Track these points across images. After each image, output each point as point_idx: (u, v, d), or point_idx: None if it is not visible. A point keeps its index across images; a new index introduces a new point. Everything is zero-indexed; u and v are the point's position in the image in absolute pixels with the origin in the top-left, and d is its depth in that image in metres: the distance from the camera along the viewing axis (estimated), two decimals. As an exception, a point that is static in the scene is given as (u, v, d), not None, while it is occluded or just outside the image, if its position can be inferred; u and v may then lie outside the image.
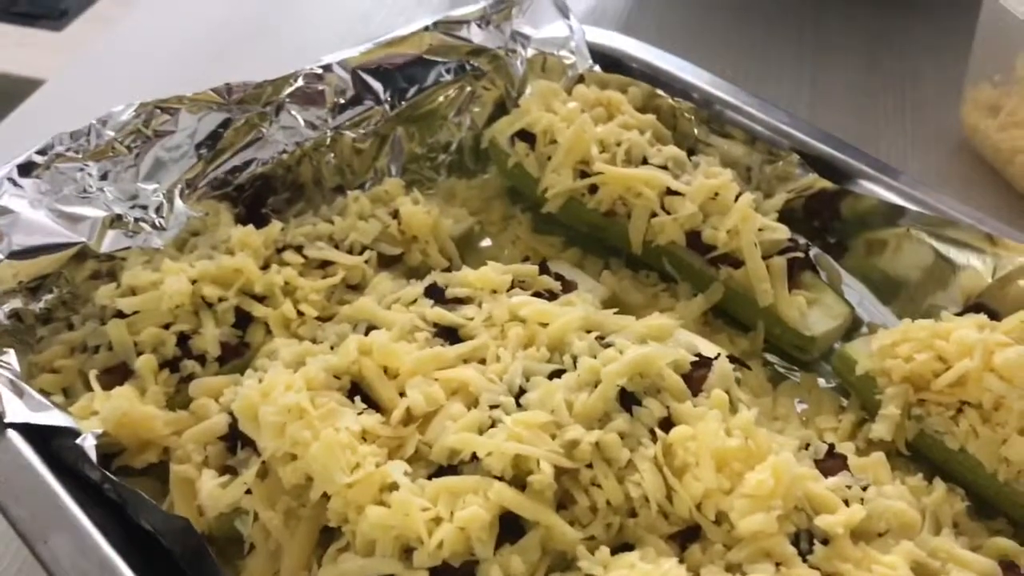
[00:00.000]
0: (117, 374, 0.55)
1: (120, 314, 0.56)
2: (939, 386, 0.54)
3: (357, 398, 0.50)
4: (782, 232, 0.63)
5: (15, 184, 0.58)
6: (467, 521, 0.44)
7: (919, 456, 0.56)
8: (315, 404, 0.49)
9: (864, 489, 0.49)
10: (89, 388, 0.54)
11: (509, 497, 0.45)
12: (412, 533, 0.44)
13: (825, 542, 0.46)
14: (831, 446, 0.52)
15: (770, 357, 0.64)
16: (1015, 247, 0.60)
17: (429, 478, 0.47)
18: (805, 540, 0.46)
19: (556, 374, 0.51)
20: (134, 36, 0.98)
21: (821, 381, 0.62)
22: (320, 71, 0.68)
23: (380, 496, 0.46)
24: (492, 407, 0.49)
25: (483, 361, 0.53)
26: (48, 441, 0.50)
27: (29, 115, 0.87)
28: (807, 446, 0.52)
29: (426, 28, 0.72)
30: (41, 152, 0.59)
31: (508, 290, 0.57)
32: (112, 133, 0.61)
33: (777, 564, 0.45)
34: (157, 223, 0.61)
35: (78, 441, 0.48)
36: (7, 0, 1.37)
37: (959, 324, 0.56)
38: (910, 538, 0.47)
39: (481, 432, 0.48)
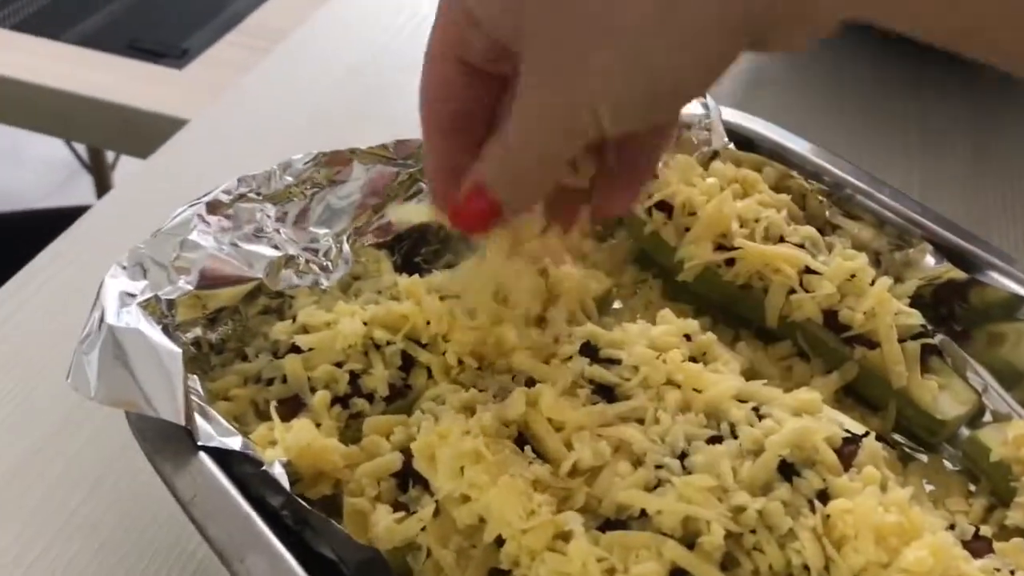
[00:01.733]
0: (289, 406, 0.58)
1: (296, 349, 0.59)
2: (1078, 479, 0.56)
3: (526, 448, 0.53)
4: (916, 318, 0.66)
5: (203, 220, 0.61)
6: (641, 575, 0.47)
7: (1055, 546, 0.57)
8: (490, 450, 0.51)
9: (1012, 573, 0.51)
10: (259, 418, 0.58)
11: (681, 555, 0.48)
12: (588, 581, 0.47)
13: (979, 623, 0.48)
14: (977, 529, 0.54)
15: (897, 437, 0.66)
16: None
17: (598, 529, 0.50)
18: (959, 620, 0.48)
19: (714, 439, 0.54)
20: (266, 85, 1.03)
21: (947, 464, 0.64)
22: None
23: (553, 543, 0.49)
24: (657, 467, 0.52)
25: (640, 421, 0.56)
26: (230, 466, 0.53)
27: (174, 153, 0.92)
28: (952, 527, 0.54)
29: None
30: (226, 192, 0.63)
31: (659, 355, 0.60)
32: (291, 179, 0.65)
33: (935, 640, 0.47)
34: (326, 266, 0.65)
35: (265, 467, 0.51)
36: (130, 36, 1.44)
37: (1099, 420, 0.58)
38: (1058, 625, 0.49)
39: (647, 490, 0.51)
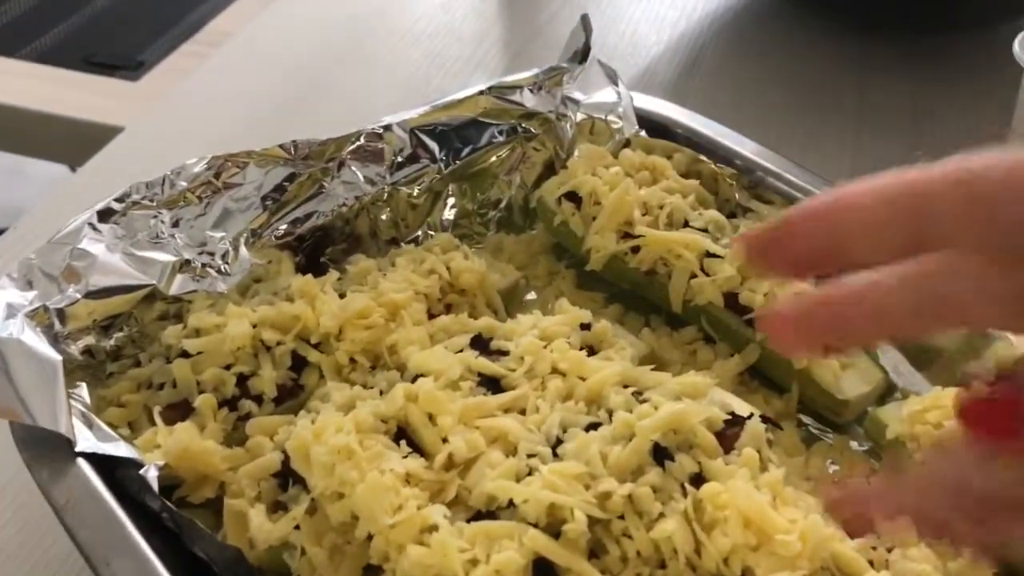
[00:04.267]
0: (179, 410, 0.58)
1: (185, 354, 0.59)
2: (968, 453, 0.55)
3: (403, 442, 0.53)
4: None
5: (95, 229, 0.62)
6: (503, 564, 0.46)
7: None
8: (363, 446, 0.51)
9: (889, 551, 0.50)
10: (153, 423, 0.58)
11: (543, 544, 0.48)
12: (449, 573, 0.47)
13: (849, 602, 0.47)
14: (858, 508, 0.53)
15: (804, 418, 0.65)
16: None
17: (468, 522, 0.50)
18: (832, 601, 0.48)
19: (592, 426, 0.54)
20: (205, 88, 1.04)
21: (854, 444, 0.64)
22: (381, 130, 0.72)
23: (421, 537, 0.49)
24: (530, 456, 0.52)
25: (523, 411, 0.56)
26: (113, 471, 0.53)
27: (107, 161, 0.93)
28: (835, 507, 0.53)
29: (481, 92, 0.75)
30: (119, 200, 0.63)
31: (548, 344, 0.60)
32: (185, 183, 0.65)
33: (800, 621, 0.47)
34: (222, 269, 0.65)
35: (141, 472, 0.51)
36: (86, 51, 1.44)
37: (989, 393, 0.57)
38: (935, 601, 0.49)
39: (518, 480, 0.51)
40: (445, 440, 0.53)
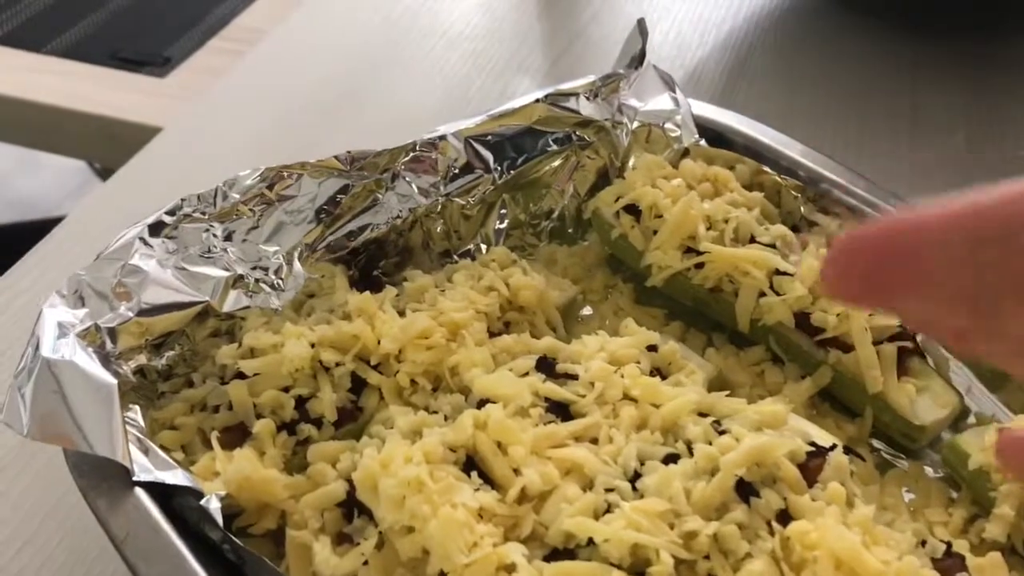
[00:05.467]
0: (236, 433, 0.56)
1: (241, 375, 0.57)
2: (1058, 487, 0.53)
3: (474, 473, 0.51)
4: (891, 319, 0.63)
5: (145, 243, 0.60)
6: (586, 607, 0.44)
7: (1038, 558, 0.55)
8: (434, 478, 0.49)
9: (987, 590, 0.48)
10: (206, 446, 0.56)
11: (629, 586, 0.46)
12: (530, 616, 0.45)
13: (947, 648, 0.45)
14: (948, 545, 0.51)
15: (876, 443, 0.63)
16: None
17: (545, 559, 0.48)
18: (926, 645, 0.46)
19: (670, 458, 0.52)
20: (241, 88, 1.01)
21: (928, 470, 0.62)
22: (435, 140, 0.69)
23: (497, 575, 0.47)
24: (607, 490, 0.50)
25: (595, 440, 0.53)
26: (170, 498, 0.51)
27: (143, 163, 0.91)
28: (923, 543, 0.51)
29: (537, 100, 0.73)
30: (170, 212, 0.61)
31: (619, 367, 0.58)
32: (237, 196, 0.63)
33: (899, 669, 0.45)
34: (276, 284, 0.63)
35: (203, 503, 0.49)
36: (112, 47, 1.42)
37: (1080, 425, 0.55)
38: (1032, 648, 0.47)
39: (597, 516, 0.49)
40: (517, 471, 0.51)
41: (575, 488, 0.50)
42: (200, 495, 0.50)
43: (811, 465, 0.52)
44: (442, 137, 0.70)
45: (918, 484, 0.60)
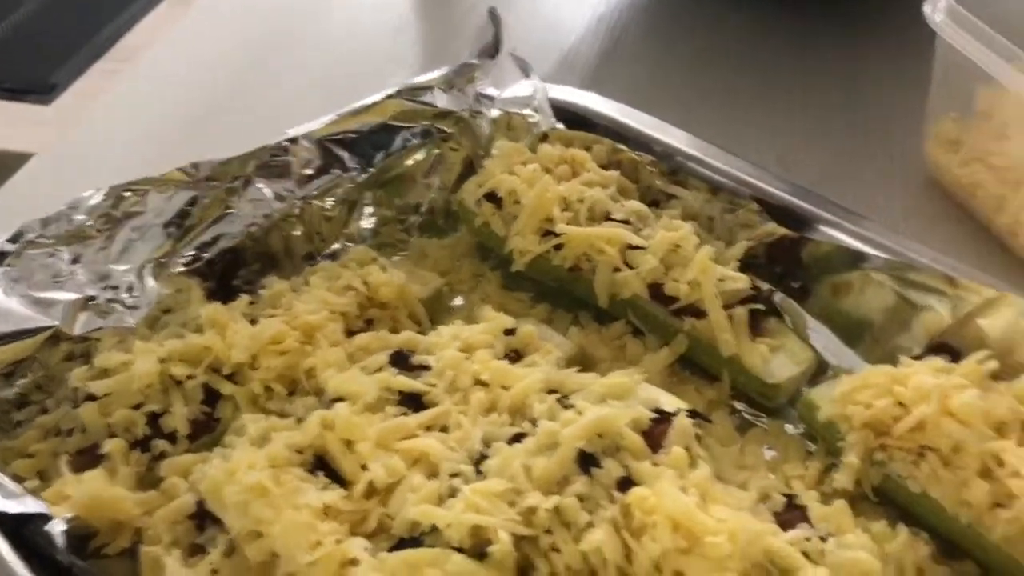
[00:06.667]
0: (90, 456, 0.56)
1: (92, 396, 0.57)
2: (899, 431, 0.55)
3: (321, 473, 0.51)
4: (743, 282, 0.64)
5: (-13, 274, 0.59)
6: (425, 594, 0.45)
7: (886, 501, 0.56)
8: (279, 482, 0.49)
9: (824, 540, 0.49)
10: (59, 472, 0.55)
11: (468, 568, 0.46)
12: (373, 609, 0.45)
13: (787, 598, 0.46)
14: (790, 498, 0.52)
15: (738, 405, 0.64)
16: (973, 287, 0.61)
17: (391, 550, 0.48)
18: (766, 597, 0.47)
19: (517, 438, 0.52)
20: (114, 111, 1.00)
21: (788, 427, 0.63)
22: (287, 144, 0.69)
23: (341, 573, 0.47)
24: (453, 476, 0.50)
25: (445, 428, 0.54)
26: (22, 527, 0.51)
27: (10, 194, 0.89)
28: (767, 498, 0.52)
29: (390, 96, 0.73)
30: (12, 240, 0.61)
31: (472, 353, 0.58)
32: (83, 217, 0.62)
33: (737, 623, 0.46)
34: (128, 303, 0.63)
35: (48, 527, 0.49)
36: (-7, 77, 1.39)
37: (917, 369, 0.56)
38: (874, 590, 0.48)
39: (441, 502, 0.49)
40: (364, 467, 0.51)
41: (421, 477, 0.50)
42: (45, 520, 0.50)
43: (656, 431, 0.53)
44: (293, 140, 0.70)
45: (778, 441, 0.62)
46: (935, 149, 0.80)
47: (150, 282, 0.64)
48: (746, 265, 0.67)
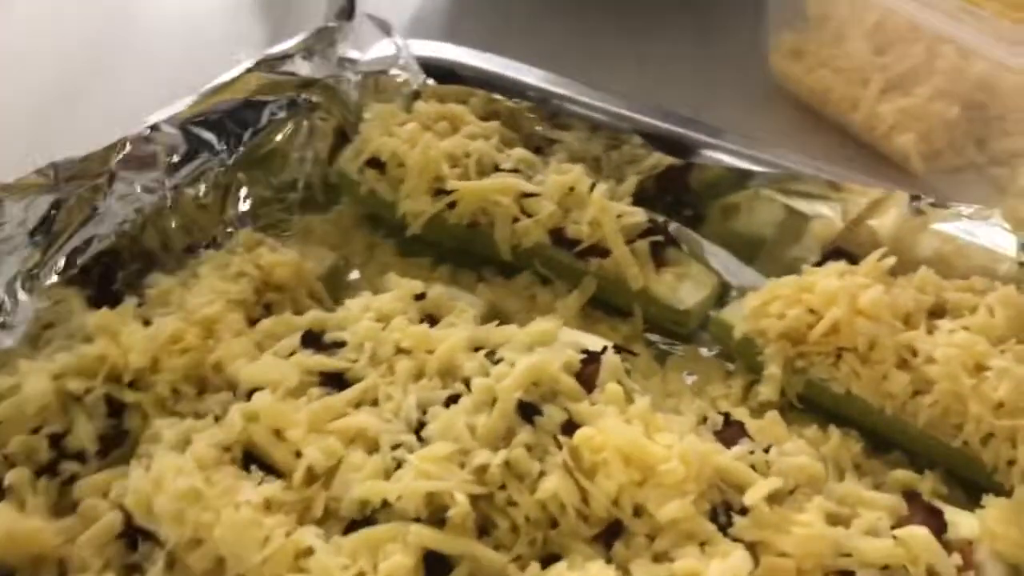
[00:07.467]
0: (-10, 493, 0.51)
1: (-20, 428, 0.52)
2: (814, 337, 0.56)
3: (254, 467, 0.49)
4: (639, 215, 0.65)
5: None
6: (391, 571, 0.43)
7: (812, 407, 0.58)
8: (211, 482, 0.47)
9: (766, 451, 0.51)
10: (-40, 514, 0.51)
11: (429, 537, 0.45)
12: (338, 595, 0.43)
13: (742, 512, 0.47)
14: (726, 416, 0.53)
15: (651, 337, 0.65)
16: (858, 190, 0.64)
17: (344, 533, 0.46)
18: (723, 513, 0.47)
19: (452, 400, 0.51)
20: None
21: (703, 351, 0.64)
22: (148, 132, 0.65)
23: (297, 564, 0.45)
24: (394, 448, 0.49)
25: (375, 401, 0.52)
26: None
27: None
28: (704, 420, 0.53)
29: (249, 70, 0.69)
30: None
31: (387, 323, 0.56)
32: (-67, 237, 0.57)
33: (701, 543, 0.46)
34: (2, 322, 0.58)
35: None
36: None
37: (821, 275, 0.58)
38: (818, 490, 0.49)
39: (388, 476, 0.47)
40: (298, 454, 0.49)
41: (361, 455, 0.49)
42: (-42, 568, 0.46)
43: (586, 372, 0.52)
44: (155, 127, 0.65)
45: (697, 366, 0.63)
46: (781, 62, 0.83)
47: (23, 297, 0.58)
48: (638, 199, 0.67)
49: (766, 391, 0.57)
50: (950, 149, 0.76)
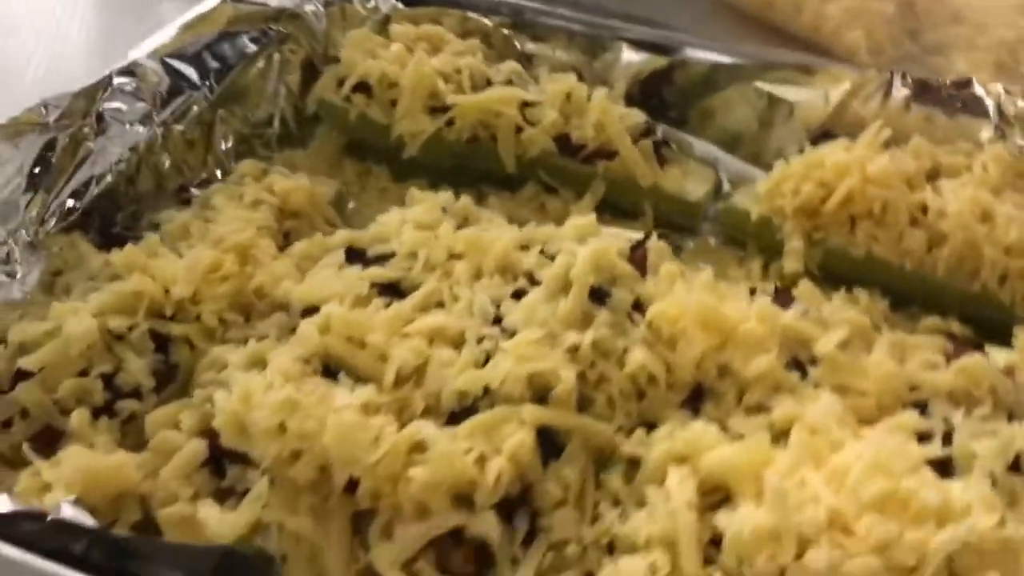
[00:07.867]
0: (44, 439, 0.48)
1: (24, 374, 0.49)
2: (830, 208, 0.60)
3: (342, 374, 0.48)
4: (638, 116, 0.67)
5: None
6: (516, 448, 0.44)
7: (831, 277, 0.61)
8: (306, 392, 0.46)
9: (806, 312, 0.53)
10: (13, 466, 0.48)
11: (543, 414, 0.45)
12: (464, 479, 0.43)
13: (813, 363, 0.50)
14: (776, 286, 0.56)
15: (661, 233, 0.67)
16: (836, 73, 0.68)
17: (448, 426, 0.46)
18: (796, 367, 0.50)
19: (517, 294, 0.51)
20: None
21: (712, 240, 0.67)
22: (132, 67, 0.62)
23: (412, 459, 0.44)
24: (479, 341, 0.49)
25: (440, 304, 0.52)
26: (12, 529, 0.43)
27: None
28: (753, 291, 0.56)
29: (222, 1, 0.67)
30: None
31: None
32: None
33: (789, 392, 0.48)
34: (11, 271, 0.54)
35: (53, 517, 0.42)
36: None
37: (829, 152, 0.61)
38: (870, 340, 0.53)
39: (479, 367, 0.48)
40: (383, 358, 0.48)
41: (448, 351, 0.48)
42: (39, 516, 0.43)
43: (637, 258, 0.54)
44: (137, 64, 0.62)
45: (709, 256, 0.65)
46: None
47: (30, 247, 0.55)
48: (626, 105, 0.69)
49: (790, 264, 0.60)
50: (889, 42, 0.81)
